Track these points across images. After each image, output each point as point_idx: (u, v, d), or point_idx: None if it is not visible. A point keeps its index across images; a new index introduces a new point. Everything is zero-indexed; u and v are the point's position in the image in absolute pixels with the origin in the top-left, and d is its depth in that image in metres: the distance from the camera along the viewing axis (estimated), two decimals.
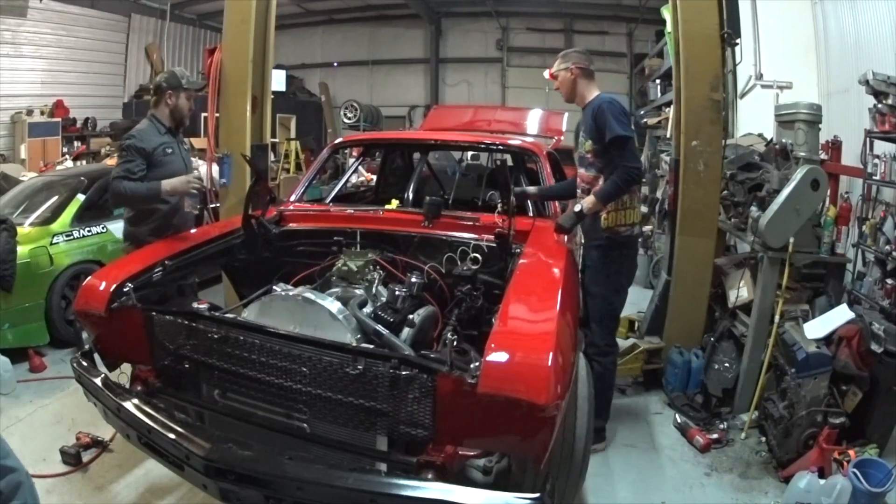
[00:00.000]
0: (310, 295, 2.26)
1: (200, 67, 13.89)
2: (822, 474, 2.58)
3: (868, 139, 3.64)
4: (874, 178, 3.59)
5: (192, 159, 3.44)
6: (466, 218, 3.03)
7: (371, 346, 2.11)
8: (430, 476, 1.75)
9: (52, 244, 4.27)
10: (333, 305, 2.23)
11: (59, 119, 10.61)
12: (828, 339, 2.97)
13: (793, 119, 3.40)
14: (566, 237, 2.89)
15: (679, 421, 3.42)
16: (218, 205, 3.54)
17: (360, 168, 6.94)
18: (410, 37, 15.24)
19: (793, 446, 2.91)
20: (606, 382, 3.06)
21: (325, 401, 1.94)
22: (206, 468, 1.78)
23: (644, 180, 9.07)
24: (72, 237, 4.43)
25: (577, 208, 2.83)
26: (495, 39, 14.68)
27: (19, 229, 4.09)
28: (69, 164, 9.04)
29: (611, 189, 2.81)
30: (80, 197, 4.64)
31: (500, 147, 4.02)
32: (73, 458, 2.89)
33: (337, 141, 4.32)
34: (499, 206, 2.87)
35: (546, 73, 3.13)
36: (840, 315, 3.04)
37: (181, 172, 3.09)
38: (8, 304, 3.90)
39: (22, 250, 3.99)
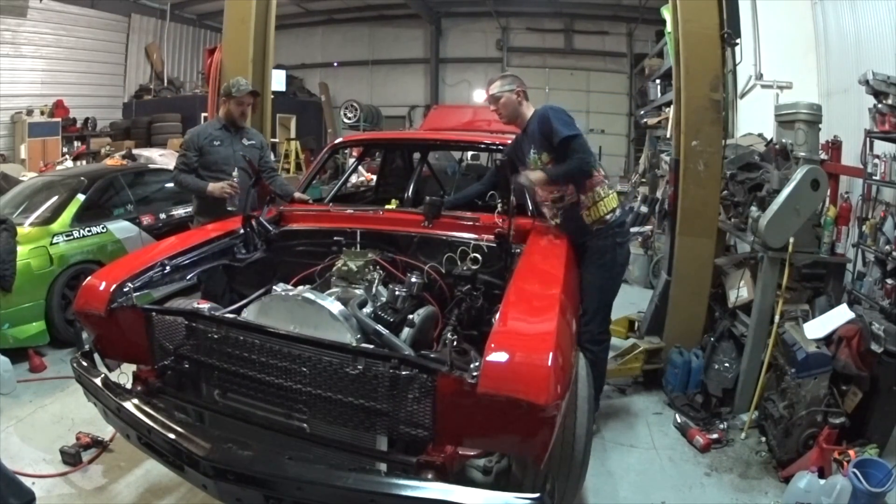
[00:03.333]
0: (310, 295, 2.26)
1: (200, 67, 13.94)
2: (822, 474, 2.58)
3: (868, 139, 3.64)
4: (874, 178, 3.59)
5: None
6: (466, 218, 3.03)
7: (371, 346, 2.11)
8: (430, 476, 1.75)
9: (52, 244, 4.27)
10: (333, 305, 2.23)
11: (59, 119, 10.63)
12: (828, 339, 2.97)
13: (793, 119, 3.40)
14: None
15: (679, 421, 3.42)
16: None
17: (360, 168, 6.95)
18: (410, 37, 15.25)
19: (793, 446, 2.91)
20: (598, 370, 3.11)
21: (325, 401, 1.94)
22: (205, 468, 1.78)
23: (644, 179, 9.14)
24: (72, 237, 4.43)
25: (523, 180, 2.85)
26: (495, 39, 14.69)
27: (19, 229, 4.08)
28: (69, 164, 9.05)
29: (560, 172, 2.86)
30: (80, 197, 4.63)
31: (500, 147, 4.03)
32: (73, 458, 2.88)
33: (337, 141, 4.32)
34: (499, 205, 2.87)
35: (483, 94, 3.16)
36: (840, 315, 3.04)
37: (223, 161, 3.71)
38: (8, 304, 3.90)
39: (22, 250, 3.98)
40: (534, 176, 2.87)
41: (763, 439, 3.22)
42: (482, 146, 4.37)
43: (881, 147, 3.62)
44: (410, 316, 2.45)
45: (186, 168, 3.71)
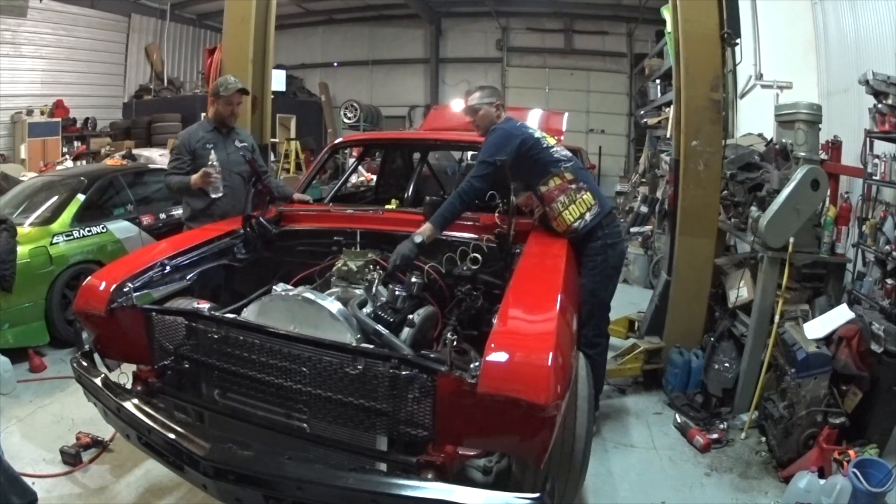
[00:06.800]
0: (310, 295, 2.26)
1: (200, 67, 13.93)
2: (822, 474, 2.58)
3: (868, 139, 3.64)
4: (874, 178, 3.59)
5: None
6: (466, 218, 3.03)
7: (371, 346, 2.11)
8: (430, 476, 1.75)
9: (52, 244, 4.27)
10: (333, 305, 2.23)
11: (59, 119, 10.62)
12: (828, 339, 2.97)
13: (793, 119, 3.40)
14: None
15: (679, 421, 3.43)
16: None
17: (360, 168, 6.95)
18: (410, 37, 15.24)
19: (793, 446, 2.91)
20: (596, 373, 3.04)
21: (325, 401, 1.94)
22: (205, 468, 1.77)
23: (644, 179, 9.14)
24: (72, 237, 4.43)
25: (417, 240, 2.64)
26: (495, 39, 14.68)
27: (19, 229, 4.09)
28: (69, 164, 9.05)
29: (444, 210, 2.74)
30: (80, 197, 4.64)
31: None
32: (73, 458, 2.89)
33: (337, 141, 4.32)
34: (499, 205, 2.87)
35: (461, 104, 3.12)
36: (840, 315, 3.04)
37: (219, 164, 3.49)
38: (8, 304, 3.90)
39: (22, 250, 3.98)
40: (424, 231, 2.68)
41: (763, 439, 3.22)
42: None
43: (881, 147, 3.62)
44: (410, 316, 2.45)
45: (178, 172, 3.51)
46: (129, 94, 12.97)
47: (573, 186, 2.94)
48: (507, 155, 2.97)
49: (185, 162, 3.53)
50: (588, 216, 2.94)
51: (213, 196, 3.43)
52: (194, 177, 3.41)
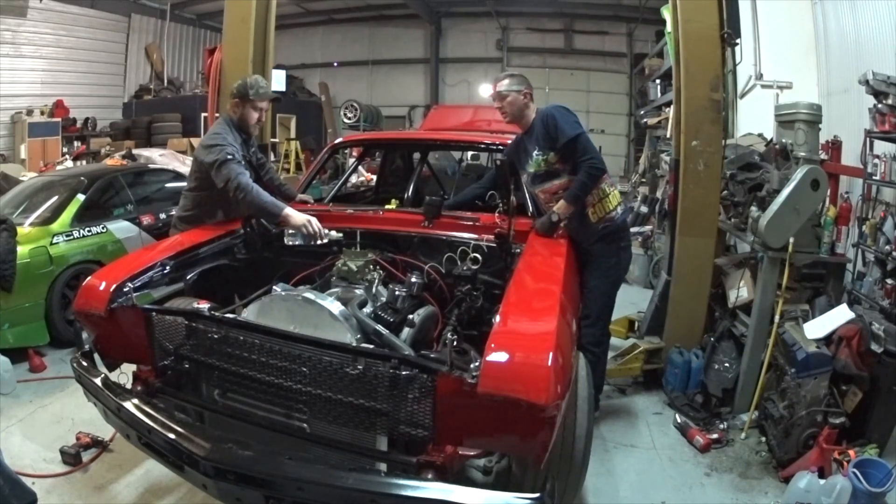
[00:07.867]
0: (310, 295, 2.26)
1: (200, 67, 13.94)
2: (822, 474, 2.58)
3: (868, 139, 3.64)
4: (874, 178, 3.60)
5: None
6: (466, 218, 3.03)
7: (371, 346, 2.11)
8: (430, 476, 1.75)
9: (52, 244, 4.27)
10: (334, 305, 2.23)
11: (59, 119, 10.63)
12: (828, 339, 2.97)
13: (793, 119, 3.40)
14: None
15: (679, 421, 3.43)
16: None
17: (360, 168, 6.95)
18: (410, 37, 15.26)
19: (793, 446, 2.91)
20: (598, 370, 3.15)
21: (325, 401, 1.94)
22: (205, 468, 1.78)
23: (644, 179, 9.14)
24: (72, 237, 4.43)
25: (554, 218, 2.86)
26: (495, 39, 14.70)
27: (19, 229, 4.09)
28: (69, 164, 9.05)
29: (578, 189, 2.87)
30: (80, 197, 4.63)
31: (500, 147, 4.03)
32: (73, 458, 2.88)
33: (337, 141, 4.32)
34: (499, 205, 2.87)
35: (489, 89, 3.14)
36: (840, 315, 3.04)
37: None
38: (8, 304, 3.90)
39: (22, 250, 3.98)
40: (560, 209, 2.86)
41: (763, 439, 3.22)
42: (482, 146, 4.37)
43: (881, 147, 3.62)
44: (410, 316, 2.45)
45: (242, 172, 2.92)
46: (129, 94, 12.99)
47: (609, 180, 3.08)
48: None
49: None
50: (620, 209, 3.09)
51: (289, 240, 2.89)
52: (296, 216, 2.82)
